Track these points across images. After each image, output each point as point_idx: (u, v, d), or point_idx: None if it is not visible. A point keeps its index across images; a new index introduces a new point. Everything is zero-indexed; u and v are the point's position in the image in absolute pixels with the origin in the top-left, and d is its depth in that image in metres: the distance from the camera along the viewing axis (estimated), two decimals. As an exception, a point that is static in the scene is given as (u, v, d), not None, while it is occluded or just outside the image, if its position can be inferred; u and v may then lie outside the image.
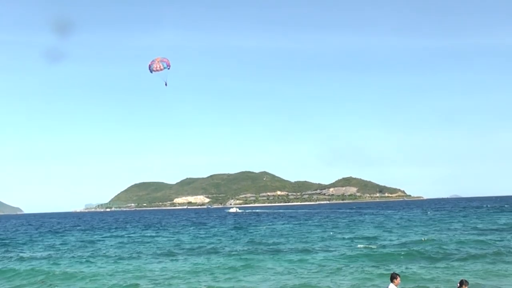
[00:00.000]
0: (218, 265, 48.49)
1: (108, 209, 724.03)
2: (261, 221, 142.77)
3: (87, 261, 55.54)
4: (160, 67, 45.64)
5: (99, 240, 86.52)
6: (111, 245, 75.02)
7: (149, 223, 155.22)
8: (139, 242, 79.10)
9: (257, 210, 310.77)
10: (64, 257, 59.75)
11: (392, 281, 23.63)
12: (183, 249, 65.67)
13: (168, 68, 45.57)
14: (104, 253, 62.96)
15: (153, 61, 46.81)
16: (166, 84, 46.17)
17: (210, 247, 65.87)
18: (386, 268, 42.97)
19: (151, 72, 46.64)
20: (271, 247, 63.71)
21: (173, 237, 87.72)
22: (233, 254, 56.78)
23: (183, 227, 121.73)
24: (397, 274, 23.92)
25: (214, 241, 77.01)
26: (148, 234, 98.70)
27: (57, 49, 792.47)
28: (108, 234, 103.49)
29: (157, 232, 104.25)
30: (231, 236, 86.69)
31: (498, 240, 61.86)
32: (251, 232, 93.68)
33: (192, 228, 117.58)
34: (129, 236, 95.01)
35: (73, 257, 59.76)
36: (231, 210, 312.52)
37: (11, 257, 62.83)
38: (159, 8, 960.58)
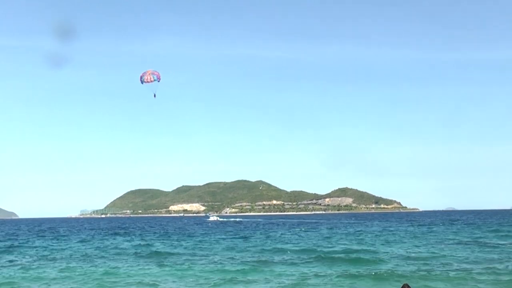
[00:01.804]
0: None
1: (103, 216, 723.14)
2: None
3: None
4: (150, 79, 46.80)
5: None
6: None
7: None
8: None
9: (239, 219, 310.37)
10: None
11: None
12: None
13: (158, 81, 46.55)
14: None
15: (144, 72, 47.93)
16: (155, 96, 47.31)
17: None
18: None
19: (142, 83, 47.68)
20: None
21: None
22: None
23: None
24: (409, 286, 23.29)
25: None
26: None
27: (55, 55, 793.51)
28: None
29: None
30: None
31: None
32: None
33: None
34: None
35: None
36: (211, 218, 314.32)
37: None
38: (159, 15, 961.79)
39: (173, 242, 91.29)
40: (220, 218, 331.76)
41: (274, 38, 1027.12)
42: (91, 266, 53.29)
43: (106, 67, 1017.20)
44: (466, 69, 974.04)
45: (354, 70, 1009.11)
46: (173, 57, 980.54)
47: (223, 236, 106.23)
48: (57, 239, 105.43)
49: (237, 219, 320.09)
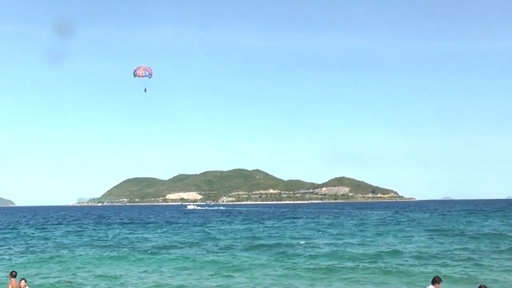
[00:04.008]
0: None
1: (100, 204, 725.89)
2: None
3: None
4: (142, 74, 48.32)
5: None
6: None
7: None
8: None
9: (216, 208, 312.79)
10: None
11: (433, 284, 22.68)
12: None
13: (150, 77, 48.19)
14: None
15: (138, 67, 49.70)
16: (145, 91, 48.97)
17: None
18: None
19: (134, 76, 49.32)
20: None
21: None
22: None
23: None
24: (440, 279, 22.80)
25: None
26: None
27: (53, 44, 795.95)
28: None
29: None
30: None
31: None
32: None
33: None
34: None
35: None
36: (189, 207, 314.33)
37: None
38: (157, 4, 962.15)
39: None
40: (198, 206, 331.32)
41: (271, 28, 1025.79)
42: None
43: (101, 56, 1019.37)
44: (463, 60, 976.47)
45: (351, 60, 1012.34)
46: (170, 46, 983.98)
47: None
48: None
49: (213, 208, 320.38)
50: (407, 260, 48.74)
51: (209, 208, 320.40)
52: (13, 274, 26.98)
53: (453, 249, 56.53)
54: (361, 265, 45.65)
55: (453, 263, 46.89)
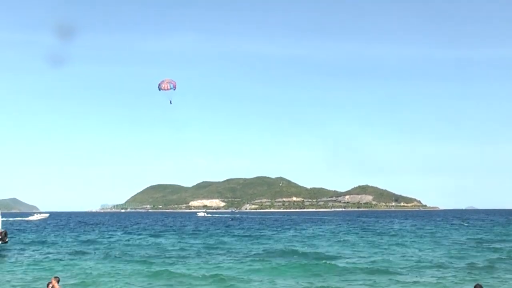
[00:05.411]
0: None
1: (123, 210, 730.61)
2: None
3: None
4: (167, 87, 49.53)
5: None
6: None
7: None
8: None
9: (230, 215, 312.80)
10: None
11: None
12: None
13: (174, 89, 49.30)
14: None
15: (163, 81, 50.92)
16: (171, 102, 50.15)
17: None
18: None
19: (159, 90, 50.37)
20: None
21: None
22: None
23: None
24: (481, 286, 23.32)
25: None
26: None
27: (70, 51, 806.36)
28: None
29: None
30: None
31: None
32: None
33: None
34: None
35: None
36: (200, 214, 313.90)
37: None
38: (171, 11, 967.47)
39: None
40: (208, 214, 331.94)
41: (289, 35, 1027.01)
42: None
43: (126, 62, 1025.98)
44: (481, 65, 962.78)
45: (371, 68, 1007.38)
46: (189, 53, 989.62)
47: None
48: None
49: (225, 215, 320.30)
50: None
51: (222, 215, 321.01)
52: (57, 279, 27.83)
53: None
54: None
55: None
